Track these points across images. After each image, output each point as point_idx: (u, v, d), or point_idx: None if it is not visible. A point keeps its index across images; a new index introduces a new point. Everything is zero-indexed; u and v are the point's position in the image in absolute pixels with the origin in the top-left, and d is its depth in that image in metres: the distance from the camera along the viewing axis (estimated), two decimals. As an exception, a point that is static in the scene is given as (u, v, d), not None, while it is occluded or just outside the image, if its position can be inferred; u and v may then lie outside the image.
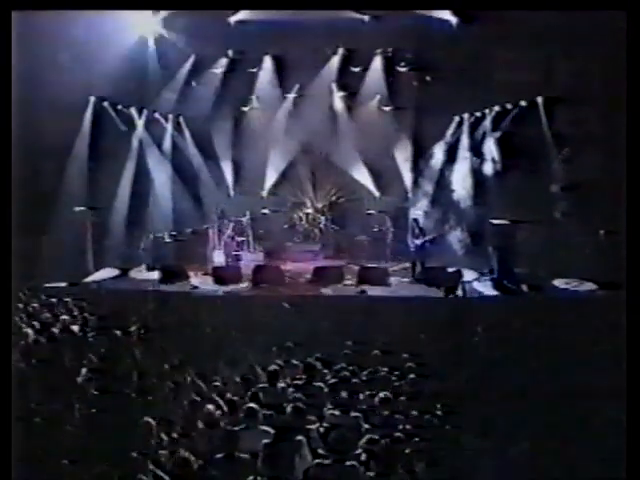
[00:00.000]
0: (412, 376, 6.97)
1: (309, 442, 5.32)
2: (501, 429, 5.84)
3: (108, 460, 4.86)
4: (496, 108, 14.89)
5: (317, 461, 5.14)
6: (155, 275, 13.41)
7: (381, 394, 6.21)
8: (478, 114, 15.24)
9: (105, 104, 15.40)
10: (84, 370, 6.73)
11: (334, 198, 16.52)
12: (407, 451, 5.37)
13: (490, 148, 14.98)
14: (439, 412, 6.11)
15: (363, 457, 5.23)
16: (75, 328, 9.04)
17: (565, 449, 5.32)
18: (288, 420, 5.77)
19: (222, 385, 6.67)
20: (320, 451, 5.21)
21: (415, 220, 14.52)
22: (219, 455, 5.24)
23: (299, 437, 5.41)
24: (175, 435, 5.63)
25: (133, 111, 15.90)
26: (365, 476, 5.11)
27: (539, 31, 13.00)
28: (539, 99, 14.31)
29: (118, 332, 8.83)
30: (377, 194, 16.13)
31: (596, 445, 5.48)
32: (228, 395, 6.28)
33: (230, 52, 15.68)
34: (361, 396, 6.31)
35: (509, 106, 14.71)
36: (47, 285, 12.32)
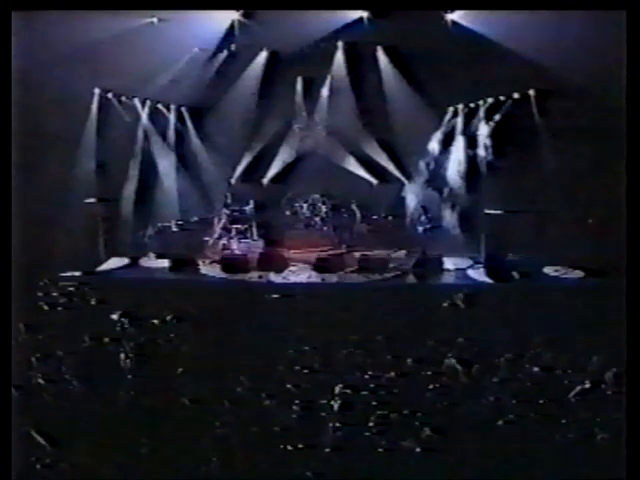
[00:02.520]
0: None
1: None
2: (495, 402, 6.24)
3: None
4: (490, 100, 15.28)
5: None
6: (165, 263, 13.92)
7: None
8: (472, 105, 15.61)
9: (109, 95, 15.78)
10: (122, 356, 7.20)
11: (334, 187, 16.87)
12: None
13: (484, 139, 15.45)
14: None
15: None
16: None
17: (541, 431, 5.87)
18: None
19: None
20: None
21: (423, 207, 14.99)
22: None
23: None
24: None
25: (137, 102, 16.22)
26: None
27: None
28: (531, 92, 14.71)
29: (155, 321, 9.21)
30: (375, 182, 16.46)
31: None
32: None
33: (233, 46, 16.01)
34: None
35: (502, 98, 15.15)
36: (62, 274, 12.87)
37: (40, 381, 6.24)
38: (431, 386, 6.34)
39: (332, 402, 5.89)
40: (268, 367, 6.80)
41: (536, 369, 6.96)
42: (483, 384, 6.70)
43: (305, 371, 6.67)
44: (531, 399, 6.51)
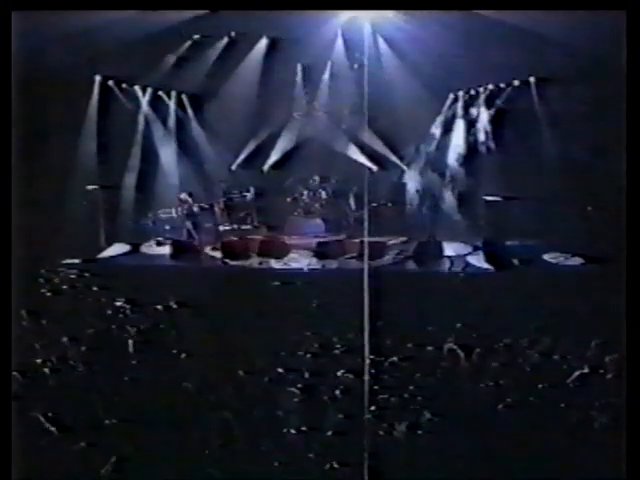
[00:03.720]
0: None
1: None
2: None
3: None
4: (490, 86, 15.31)
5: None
6: (166, 250, 14.00)
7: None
8: (472, 92, 15.64)
9: (110, 83, 15.77)
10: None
11: (334, 174, 16.91)
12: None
13: (484, 125, 15.48)
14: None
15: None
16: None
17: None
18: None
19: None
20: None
21: (424, 194, 15.21)
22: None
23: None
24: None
25: (137, 89, 16.23)
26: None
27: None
28: (532, 79, 14.74)
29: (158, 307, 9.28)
30: (375, 169, 16.47)
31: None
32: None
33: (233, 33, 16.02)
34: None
35: (502, 85, 15.18)
36: (64, 262, 12.95)
37: (45, 370, 6.33)
38: (432, 370, 6.43)
39: (334, 387, 6.00)
40: (270, 352, 6.88)
41: (535, 354, 7.04)
42: (483, 369, 6.78)
43: (307, 356, 6.75)
44: (530, 383, 6.60)
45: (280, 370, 6.05)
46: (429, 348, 6.95)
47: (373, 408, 5.58)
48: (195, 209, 16.07)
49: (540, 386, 6.35)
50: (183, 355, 6.89)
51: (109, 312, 8.89)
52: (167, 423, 5.38)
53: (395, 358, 6.66)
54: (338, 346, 7.29)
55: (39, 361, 6.85)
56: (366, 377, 6.32)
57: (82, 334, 7.73)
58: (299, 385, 5.88)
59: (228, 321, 8.40)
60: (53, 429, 5.44)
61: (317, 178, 16.74)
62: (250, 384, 6.14)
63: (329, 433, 5.15)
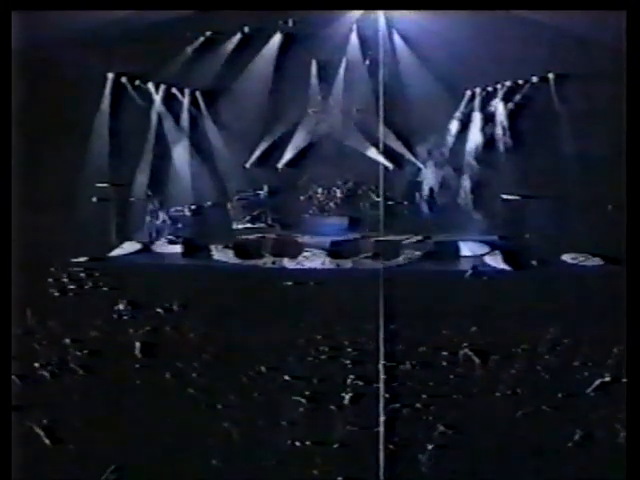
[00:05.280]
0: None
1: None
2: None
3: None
4: (508, 83, 15.10)
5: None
6: (177, 249, 13.88)
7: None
8: (490, 88, 15.44)
9: (123, 80, 15.71)
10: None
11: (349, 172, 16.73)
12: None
13: (502, 122, 15.25)
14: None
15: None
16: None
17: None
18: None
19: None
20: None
21: (440, 193, 15.05)
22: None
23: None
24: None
25: (150, 86, 16.14)
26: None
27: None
28: (550, 75, 14.57)
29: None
30: (390, 167, 16.30)
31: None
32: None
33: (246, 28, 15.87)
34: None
35: (520, 81, 14.97)
36: (74, 260, 12.82)
37: (44, 372, 6.25)
38: (446, 376, 6.22)
39: (343, 394, 5.79)
40: (279, 356, 6.67)
41: (553, 360, 6.80)
42: (499, 376, 6.54)
43: (316, 361, 6.55)
44: (547, 391, 6.36)
45: (286, 377, 5.84)
46: (444, 353, 6.75)
47: (383, 419, 5.35)
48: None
49: (560, 395, 6.11)
50: (183, 364, 6.72)
51: (115, 310, 8.75)
52: (168, 433, 5.23)
53: (408, 365, 6.41)
54: (349, 349, 7.05)
55: (37, 365, 6.76)
56: (381, 386, 6.06)
57: (85, 336, 7.60)
58: (306, 392, 5.67)
59: (234, 323, 8.22)
60: (47, 441, 5.34)
61: (332, 176, 16.79)
62: (254, 390, 5.93)
63: (336, 445, 4.95)
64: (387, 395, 6.00)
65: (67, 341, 7.55)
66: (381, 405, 5.61)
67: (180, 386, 6.23)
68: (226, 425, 5.41)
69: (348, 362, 6.62)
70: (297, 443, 5.25)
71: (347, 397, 5.86)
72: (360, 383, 6.15)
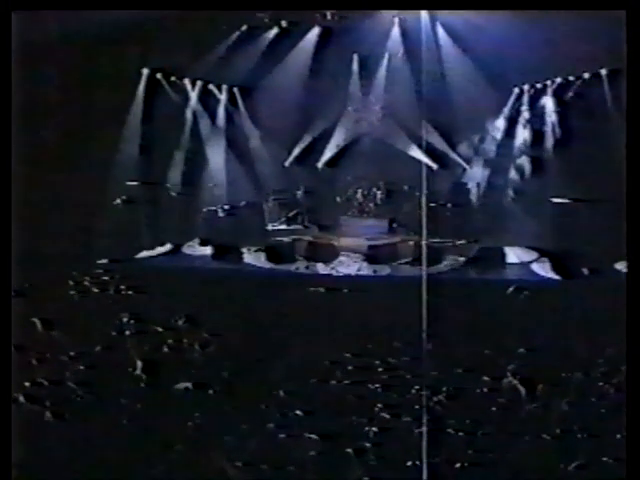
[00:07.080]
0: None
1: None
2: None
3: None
4: (558, 79, 14.42)
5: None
6: (207, 250, 13.54)
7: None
8: (539, 86, 14.76)
9: (158, 76, 15.38)
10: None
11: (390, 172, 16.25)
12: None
13: (552, 121, 14.64)
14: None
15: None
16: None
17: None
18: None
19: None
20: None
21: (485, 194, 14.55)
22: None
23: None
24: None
25: (187, 82, 15.82)
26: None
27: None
28: (603, 71, 13.88)
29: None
30: (434, 167, 15.72)
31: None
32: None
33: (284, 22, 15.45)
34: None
35: (571, 78, 14.31)
36: (99, 262, 12.52)
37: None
38: (487, 406, 5.56)
39: (367, 428, 5.17)
40: (300, 381, 6.10)
41: (612, 390, 6.08)
42: (549, 407, 5.88)
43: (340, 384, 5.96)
44: (606, 428, 5.61)
45: (298, 412, 5.27)
46: (485, 378, 6.10)
47: (410, 464, 4.69)
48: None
49: (618, 436, 5.38)
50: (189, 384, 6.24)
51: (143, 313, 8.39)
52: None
53: (443, 395, 5.75)
54: (380, 369, 6.42)
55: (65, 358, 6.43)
56: (424, 431, 5.40)
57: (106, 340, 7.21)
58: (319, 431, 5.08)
59: (252, 338, 7.69)
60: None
61: (372, 176, 16.31)
62: (260, 428, 5.38)
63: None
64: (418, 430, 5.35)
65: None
66: (424, 452, 4.95)
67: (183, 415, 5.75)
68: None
69: (375, 388, 6.03)
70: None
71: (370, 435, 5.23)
72: (386, 416, 5.52)
